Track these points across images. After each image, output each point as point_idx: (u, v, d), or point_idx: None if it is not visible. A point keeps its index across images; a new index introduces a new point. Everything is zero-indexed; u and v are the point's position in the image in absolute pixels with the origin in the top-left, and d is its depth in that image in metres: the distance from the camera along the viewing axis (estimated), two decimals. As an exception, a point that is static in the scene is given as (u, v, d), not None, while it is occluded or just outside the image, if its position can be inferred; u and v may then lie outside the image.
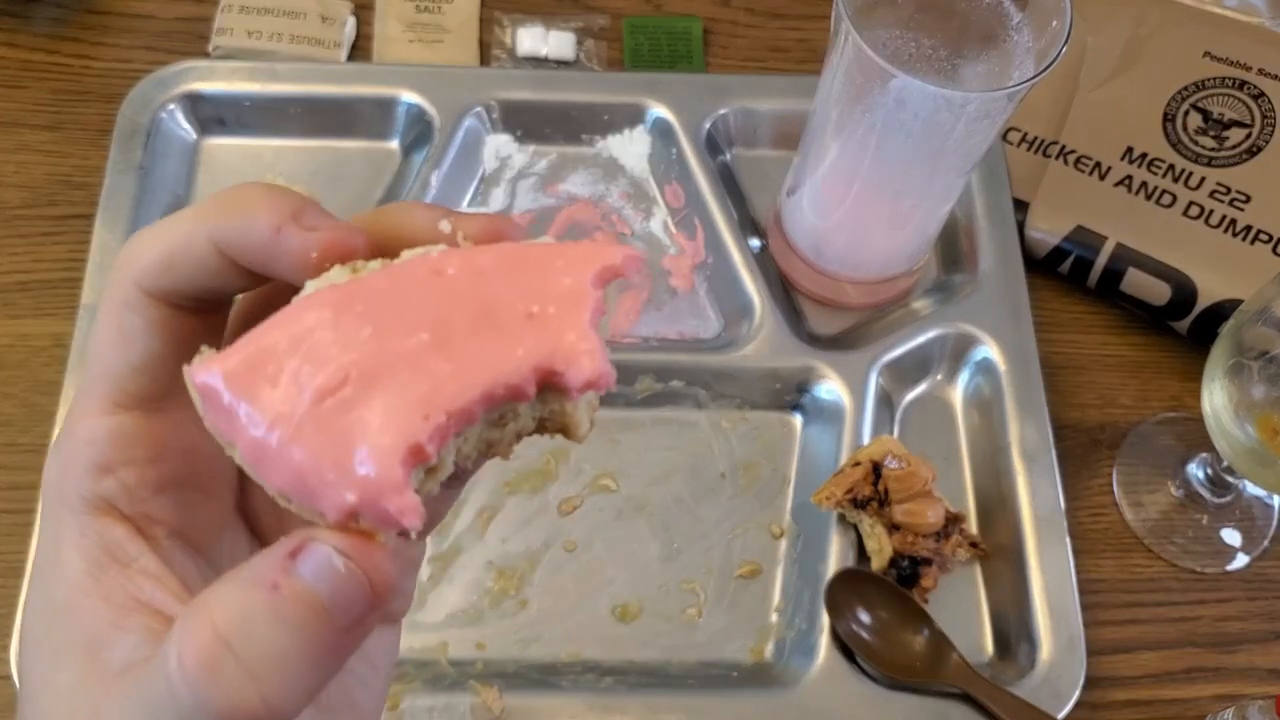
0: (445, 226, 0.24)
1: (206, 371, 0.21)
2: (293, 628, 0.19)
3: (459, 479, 0.25)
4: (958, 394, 0.65)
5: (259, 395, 0.20)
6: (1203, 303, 0.66)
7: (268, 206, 0.22)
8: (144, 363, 0.23)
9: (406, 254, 0.23)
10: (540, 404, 0.23)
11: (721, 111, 0.70)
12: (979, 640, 0.59)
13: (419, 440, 0.20)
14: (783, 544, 0.61)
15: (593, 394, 0.23)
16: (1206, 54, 0.73)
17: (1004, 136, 0.72)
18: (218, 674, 0.19)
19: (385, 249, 0.24)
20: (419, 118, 0.69)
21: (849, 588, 0.57)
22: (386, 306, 0.22)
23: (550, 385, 0.22)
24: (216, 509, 0.25)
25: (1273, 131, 0.70)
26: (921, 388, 0.65)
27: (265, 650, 0.19)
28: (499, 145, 0.70)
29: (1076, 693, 0.55)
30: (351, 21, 0.75)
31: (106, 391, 0.23)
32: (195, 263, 0.22)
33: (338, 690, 0.26)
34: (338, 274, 0.23)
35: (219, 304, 0.24)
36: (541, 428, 0.24)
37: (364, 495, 0.20)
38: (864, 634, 0.56)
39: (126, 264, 0.23)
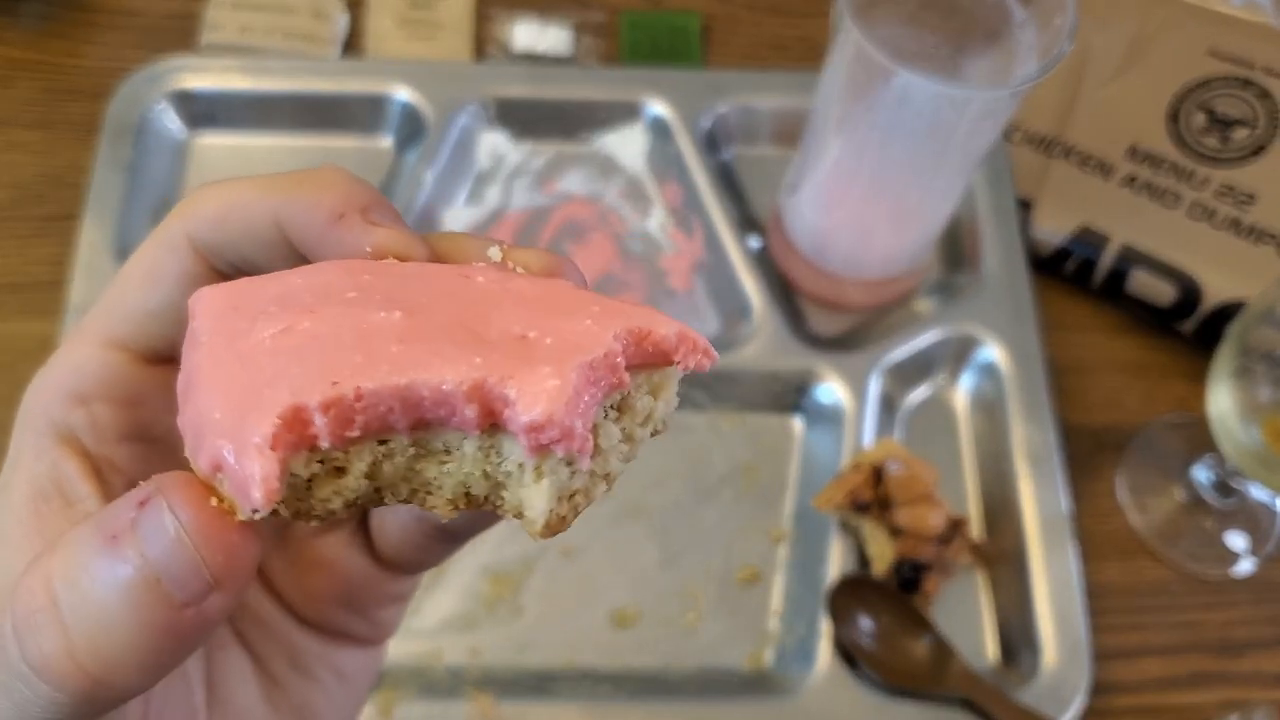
0: (495, 254, 0.21)
1: (199, 296, 0.20)
2: (121, 590, 0.17)
3: (416, 558, 0.22)
4: (961, 396, 0.64)
5: (219, 325, 0.19)
6: (1208, 304, 0.65)
7: (338, 193, 0.21)
8: (160, 309, 0.22)
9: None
10: (491, 452, 0.19)
11: (721, 109, 0.69)
12: (982, 646, 0.58)
13: (305, 404, 0.17)
14: (782, 548, 0.60)
15: (565, 474, 0.19)
16: (1211, 52, 0.72)
17: (1007, 135, 0.71)
18: (36, 625, 0.17)
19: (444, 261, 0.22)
20: (412, 114, 0.68)
21: (851, 594, 0.56)
22: (390, 284, 0.19)
23: (497, 423, 0.18)
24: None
25: (1277, 130, 0.69)
26: (924, 390, 0.64)
27: (88, 610, 0.17)
28: (494, 142, 0.69)
29: (1081, 699, 0.55)
30: (344, 17, 0.74)
31: (111, 326, 0.22)
32: (249, 228, 0.21)
33: (293, 688, 0.24)
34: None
35: None
36: (493, 501, 0.19)
37: (230, 447, 0.17)
38: (866, 641, 0.55)
39: (184, 211, 0.22)
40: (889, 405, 0.63)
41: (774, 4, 0.78)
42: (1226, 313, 0.65)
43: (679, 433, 0.62)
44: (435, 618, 0.57)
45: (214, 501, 0.17)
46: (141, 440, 0.22)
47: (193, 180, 0.67)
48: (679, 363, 0.20)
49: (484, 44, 0.75)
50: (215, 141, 0.68)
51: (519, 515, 0.19)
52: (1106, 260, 0.67)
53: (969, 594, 0.59)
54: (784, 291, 0.66)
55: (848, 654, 0.55)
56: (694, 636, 0.57)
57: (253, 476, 0.17)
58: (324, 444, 0.17)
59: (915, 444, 0.62)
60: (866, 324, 0.65)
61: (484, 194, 0.68)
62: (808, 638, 0.56)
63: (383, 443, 0.18)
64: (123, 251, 0.62)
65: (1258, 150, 0.69)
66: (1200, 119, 0.70)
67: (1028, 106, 0.68)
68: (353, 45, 0.74)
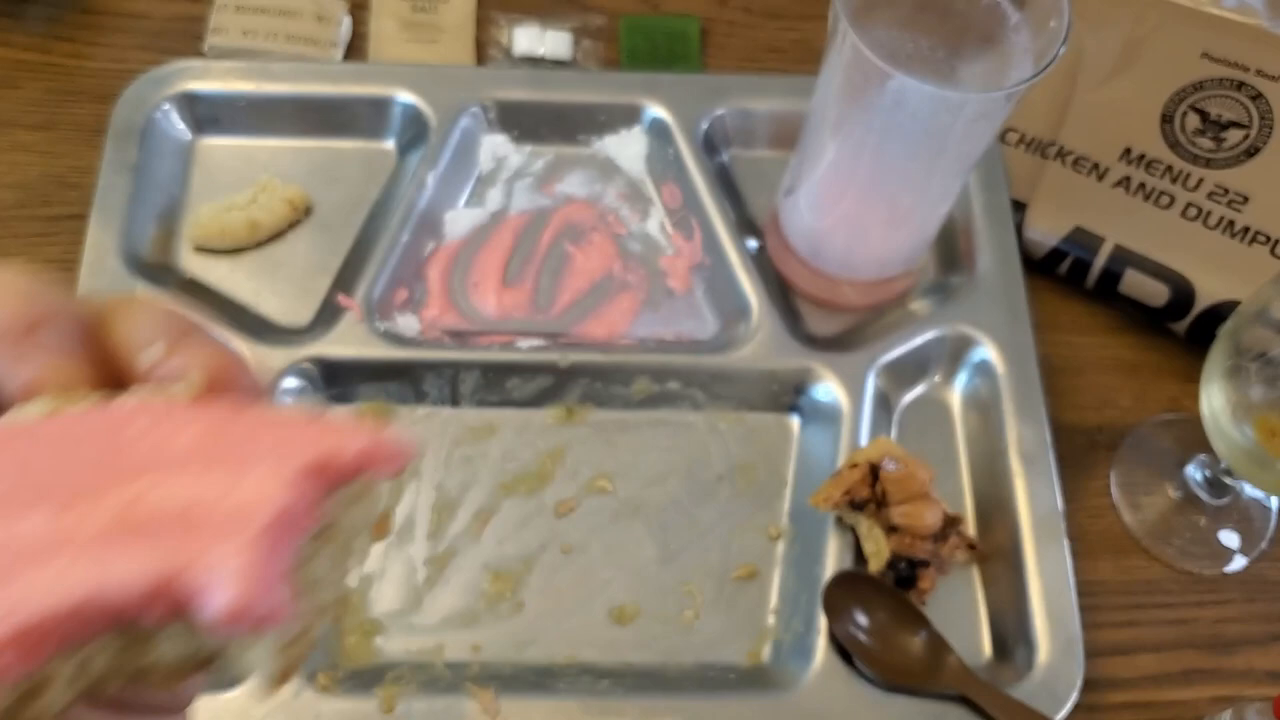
0: (152, 354, 0.19)
1: None
2: None
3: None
4: (956, 395, 0.65)
5: None
6: (1201, 304, 0.66)
7: (5, 308, 0.18)
8: None
9: (126, 395, 0.19)
10: (191, 634, 0.17)
11: (719, 112, 0.70)
12: (977, 642, 0.58)
13: None
14: (780, 546, 0.61)
15: (282, 634, 0.17)
16: (1205, 55, 0.73)
17: (1002, 137, 0.72)
18: None
19: (116, 371, 0.20)
20: (415, 117, 0.68)
21: (847, 590, 0.57)
22: (37, 465, 0.17)
23: (186, 613, 0.17)
24: None
25: (1271, 132, 0.70)
26: (919, 389, 0.65)
27: None
28: (495, 145, 0.70)
29: (1074, 695, 0.55)
30: (347, 21, 0.75)
31: None
32: None
33: None
34: (40, 405, 0.19)
35: None
36: (215, 663, 0.18)
37: None
38: (861, 636, 0.56)
39: None
40: (885, 404, 0.64)
41: (771, 8, 0.79)
42: (1219, 313, 0.65)
43: (677, 431, 0.63)
44: (437, 615, 0.57)
45: None
46: None
47: (197, 181, 0.68)
48: (369, 470, 0.18)
49: (485, 48, 0.76)
50: (219, 143, 0.69)
51: (246, 677, 0.18)
52: (1100, 261, 0.68)
53: (964, 591, 0.60)
54: (781, 292, 0.67)
55: (843, 649, 0.55)
56: (692, 633, 0.58)
57: None
58: (15, 673, 0.16)
59: (911, 442, 0.62)
60: (863, 324, 0.66)
61: (485, 195, 0.69)
62: (805, 634, 0.57)
63: (78, 650, 0.17)
64: (128, 252, 0.62)
65: (1251, 152, 0.70)
66: (1194, 121, 0.71)
67: (1022, 109, 0.68)
68: (355, 49, 0.75)
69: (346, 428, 0.18)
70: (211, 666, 0.18)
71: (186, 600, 0.16)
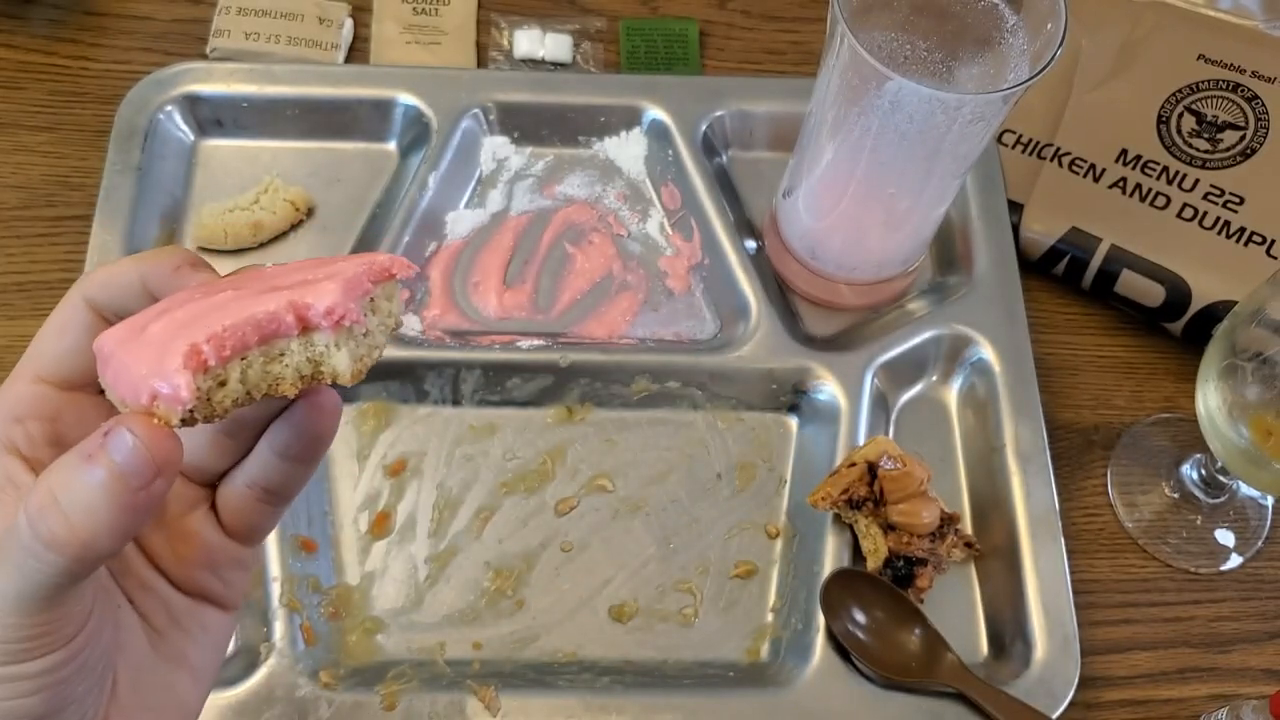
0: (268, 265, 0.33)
1: (101, 336, 0.29)
2: (98, 485, 0.26)
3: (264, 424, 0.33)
4: (953, 395, 0.65)
5: (122, 335, 0.28)
6: (1197, 304, 0.66)
7: (174, 256, 0.31)
8: (70, 351, 0.31)
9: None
10: (309, 344, 0.29)
11: (718, 113, 0.70)
12: (974, 640, 0.59)
13: (197, 342, 0.27)
14: (779, 544, 0.61)
15: (355, 344, 0.29)
16: (1200, 56, 0.73)
17: (999, 138, 0.72)
18: (45, 515, 0.26)
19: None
20: (416, 119, 0.69)
21: (844, 588, 0.57)
22: (219, 286, 0.30)
23: (308, 322, 0.28)
24: None
25: (1266, 134, 0.70)
26: (917, 388, 0.65)
27: (78, 500, 0.26)
28: (496, 147, 0.70)
29: (1071, 692, 0.55)
30: (349, 23, 0.75)
31: (36, 366, 0.31)
32: (124, 287, 0.31)
33: (170, 637, 0.33)
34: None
35: None
36: (318, 372, 0.29)
37: (158, 383, 0.26)
38: (859, 634, 0.56)
39: (80, 282, 0.32)
40: (883, 403, 0.64)
41: (770, 11, 0.80)
42: (1215, 313, 0.66)
43: (677, 430, 0.63)
44: (438, 613, 0.58)
45: (155, 422, 0.27)
46: (61, 445, 0.31)
47: (200, 182, 0.68)
48: (395, 275, 0.31)
49: (486, 50, 0.76)
50: (222, 145, 0.69)
51: (335, 379, 0.29)
52: (1096, 261, 0.68)
53: (961, 589, 0.60)
54: (780, 292, 0.67)
55: (841, 647, 0.56)
56: (692, 630, 0.58)
57: (179, 388, 0.26)
58: (212, 363, 0.27)
59: (908, 442, 0.63)
60: (861, 324, 0.66)
61: (486, 197, 0.69)
62: (804, 632, 0.57)
63: (244, 358, 0.28)
64: (131, 253, 0.62)
65: (1247, 153, 0.70)
66: (1190, 122, 0.71)
67: (1019, 110, 0.69)
68: (356, 51, 0.75)
69: (380, 254, 0.31)
70: (316, 379, 0.29)
71: (306, 310, 0.28)
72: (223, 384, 0.28)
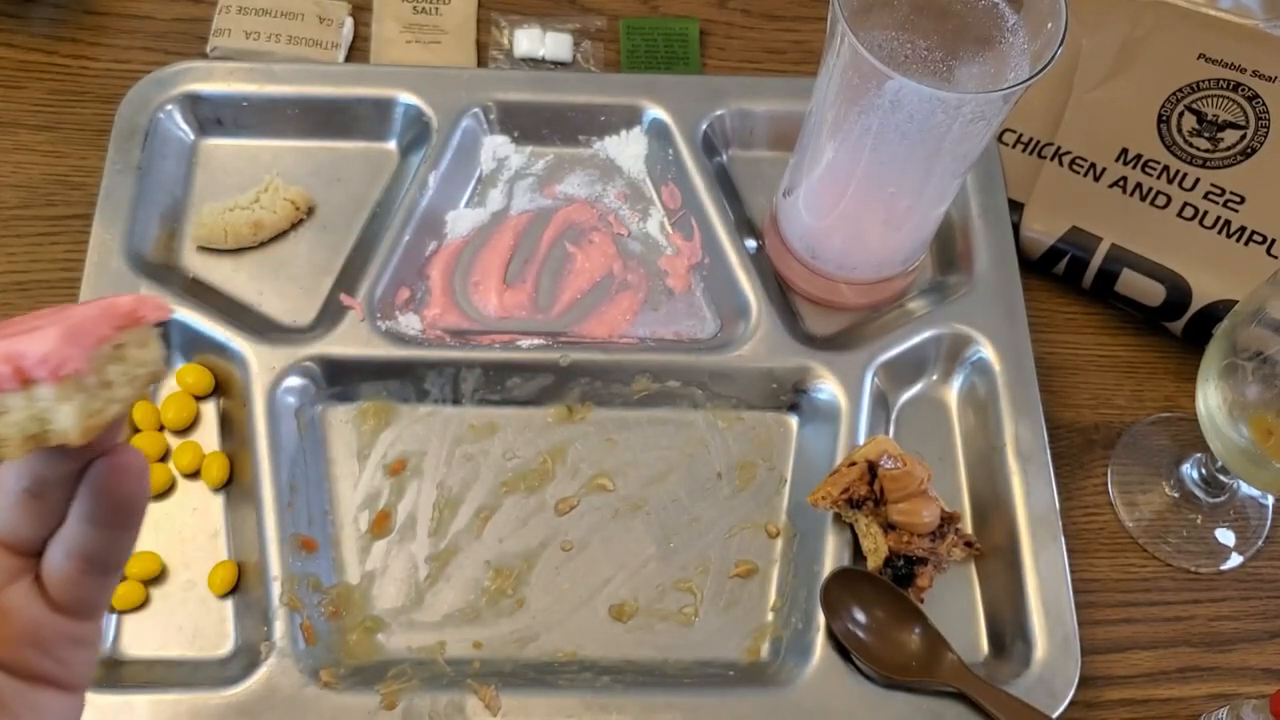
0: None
1: None
2: None
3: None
4: (953, 394, 0.65)
5: None
6: (1197, 304, 0.66)
7: None
8: None
9: None
10: (31, 400, 0.26)
11: (718, 113, 0.70)
12: (974, 639, 0.59)
13: None
14: (779, 543, 0.61)
15: (86, 397, 0.26)
16: (1201, 56, 0.73)
17: (999, 138, 0.72)
18: None
19: None
20: (416, 118, 0.69)
21: (845, 587, 0.57)
22: None
23: (26, 376, 0.26)
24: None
25: (1267, 133, 0.70)
26: (917, 388, 0.65)
27: None
28: (496, 146, 0.70)
29: (1071, 692, 0.55)
30: (349, 22, 0.75)
31: None
32: None
33: None
34: None
35: None
36: (44, 433, 0.26)
37: None
38: (859, 633, 0.56)
39: None
40: (883, 403, 0.64)
41: (770, 10, 0.80)
42: (1215, 312, 0.66)
43: (677, 430, 0.63)
44: (438, 612, 0.58)
45: None
46: None
47: (201, 182, 0.68)
48: (145, 319, 0.28)
49: (486, 50, 0.76)
50: (223, 144, 0.69)
51: (64, 438, 0.26)
52: (1097, 261, 0.68)
53: (961, 588, 0.60)
54: (780, 292, 0.67)
55: (842, 646, 0.56)
56: (692, 629, 0.58)
57: None
58: None
59: (908, 441, 0.63)
60: (861, 323, 0.66)
61: (486, 196, 0.69)
62: (804, 631, 0.57)
63: None
64: (132, 252, 0.63)
65: (1247, 153, 0.70)
66: (1190, 121, 0.71)
67: (1019, 110, 0.69)
68: (357, 50, 0.75)
69: (125, 296, 0.28)
70: (44, 438, 0.26)
71: (20, 360, 0.25)
72: None
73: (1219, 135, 0.71)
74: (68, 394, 0.26)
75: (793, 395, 0.64)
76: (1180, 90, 0.72)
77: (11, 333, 0.26)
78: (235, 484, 0.60)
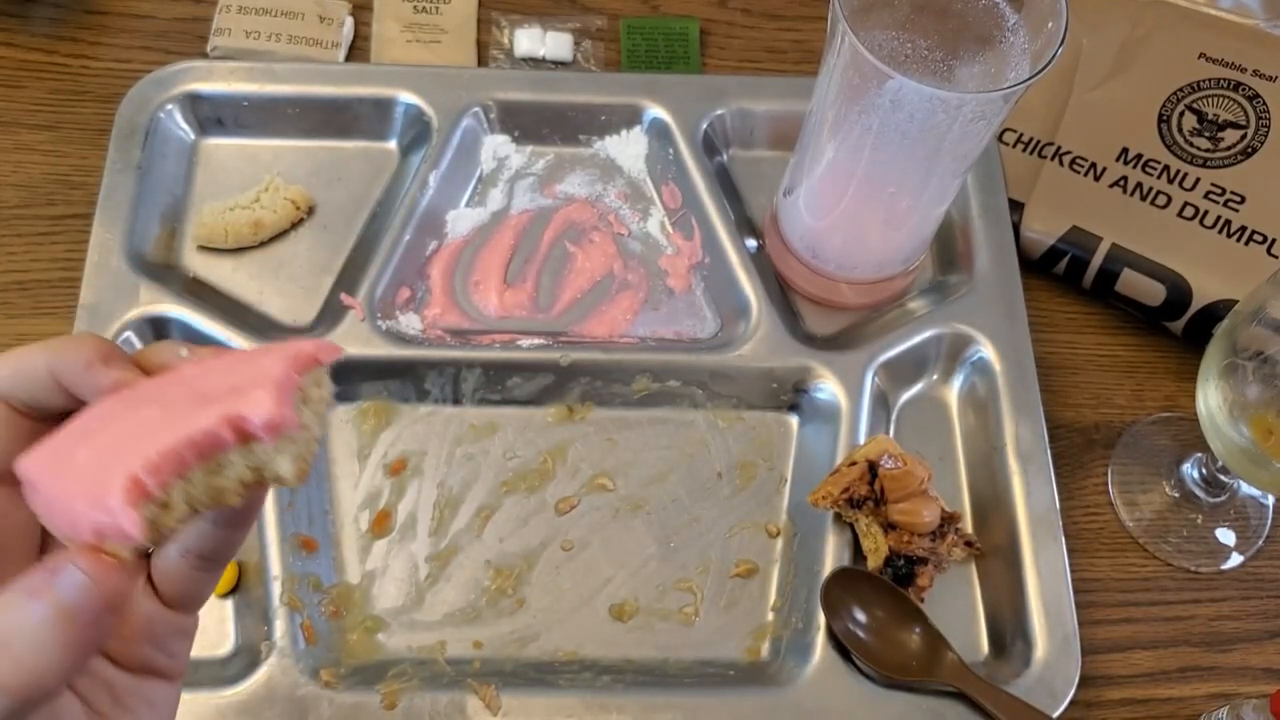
0: (183, 353, 0.32)
1: (23, 460, 0.29)
2: (45, 624, 0.26)
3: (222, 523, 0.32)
4: (953, 394, 0.65)
5: (47, 464, 0.28)
6: (1197, 303, 0.66)
7: (86, 348, 0.31)
8: None
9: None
10: (248, 453, 0.28)
11: (718, 112, 0.70)
12: (974, 639, 0.59)
13: (135, 474, 0.27)
14: (779, 543, 0.61)
15: (295, 444, 0.29)
16: (1201, 55, 0.73)
17: (999, 137, 0.72)
18: None
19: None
20: (417, 118, 0.69)
21: (845, 587, 0.57)
22: (141, 397, 0.30)
23: (246, 434, 0.28)
24: (11, 568, 0.31)
25: (1268, 133, 0.70)
26: (917, 387, 0.65)
27: (26, 640, 0.26)
28: (496, 146, 0.70)
29: (1071, 691, 0.55)
30: (349, 22, 0.75)
31: None
32: (33, 379, 0.31)
33: (121, 715, 0.32)
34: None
35: (54, 415, 0.31)
36: (260, 478, 0.29)
37: (102, 517, 0.26)
38: (860, 633, 0.56)
39: None
40: (883, 402, 0.64)
41: (770, 10, 0.80)
42: (1216, 312, 0.66)
43: (677, 429, 0.63)
44: (439, 612, 0.58)
45: (102, 557, 0.27)
46: None
47: (201, 181, 0.68)
48: (322, 362, 0.30)
49: (486, 49, 0.76)
50: (223, 144, 0.69)
51: (279, 479, 0.29)
52: (1097, 260, 0.68)
53: (961, 588, 0.60)
54: (780, 291, 0.67)
55: (842, 646, 0.56)
56: (692, 629, 0.58)
57: (127, 525, 0.26)
58: (154, 492, 0.27)
59: (909, 441, 0.63)
60: (861, 323, 0.66)
61: (487, 195, 0.69)
62: (804, 630, 0.57)
63: (184, 477, 0.28)
64: (132, 251, 0.63)
65: (1248, 152, 0.70)
66: (1191, 121, 0.71)
67: (1020, 109, 0.69)
68: (357, 50, 0.75)
69: (303, 340, 0.30)
70: (260, 484, 0.29)
71: (243, 422, 0.27)
72: (165, 506, 0.27)
73: (1219, 135, 0.71)
74: (283, 446, 0.28)
75: (793, 395, 0.64)
76: (1181, 90, 0.72)
77: (214, 390, 0.28)
78: (235, 483, 0.60)
